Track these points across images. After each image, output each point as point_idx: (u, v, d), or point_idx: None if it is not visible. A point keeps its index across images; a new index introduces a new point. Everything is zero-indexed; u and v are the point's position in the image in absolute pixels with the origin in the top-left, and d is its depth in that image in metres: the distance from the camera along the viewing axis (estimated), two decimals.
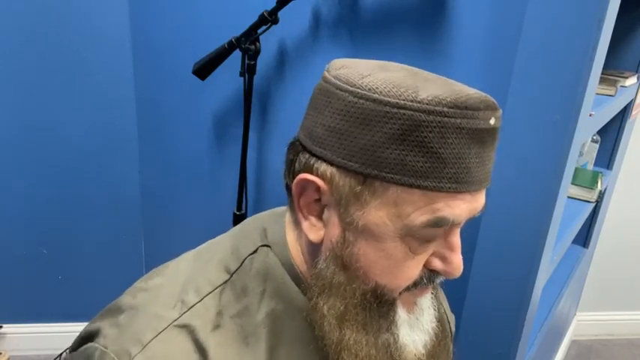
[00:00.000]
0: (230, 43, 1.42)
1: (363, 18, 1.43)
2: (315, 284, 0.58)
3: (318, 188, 0.55)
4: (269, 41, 1.50)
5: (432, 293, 0.65)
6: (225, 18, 1.55)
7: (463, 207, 0.53)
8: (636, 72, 1.75)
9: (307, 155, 0.56)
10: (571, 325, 2.30)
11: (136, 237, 1.93)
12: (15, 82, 1.71)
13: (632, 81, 1.63)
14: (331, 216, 0.56)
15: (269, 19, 1.36)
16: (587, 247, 2.03)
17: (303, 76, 1.54)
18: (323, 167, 0.55)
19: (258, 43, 1.41)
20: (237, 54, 1.43)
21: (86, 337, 0.62)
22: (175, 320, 0.58)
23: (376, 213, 0.53)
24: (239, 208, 1.57)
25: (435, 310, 0.65)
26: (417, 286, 0.58)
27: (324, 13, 1.46)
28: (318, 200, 0.57)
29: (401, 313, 0.60)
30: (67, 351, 1.94)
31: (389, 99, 0.50)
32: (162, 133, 1.76)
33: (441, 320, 0.67)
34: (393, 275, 0.56)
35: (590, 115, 1.14)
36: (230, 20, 1.52)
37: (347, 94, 0.52)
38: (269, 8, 1.36)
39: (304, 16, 1.48)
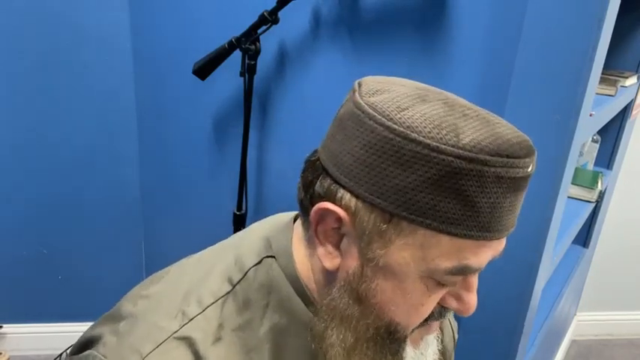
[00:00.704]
0: (230, 43, 1.42)
1: (363, 18, 1.43)
2: (325, 311, 0.56)
3: (338, 218, 0.53)
4: (269, 41, 1.50)
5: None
6: (225, 18, 1.55)
7: (488, 254, 0.52)
8: (636, 72, 1.75)
9: (330, 181, 0.53)
10: (571, 325, 2.30)
11: (136, 237, 1.92)
12: (15, 82, 1.71)
13: (632, 81, 1.63)
14: (350, 247, 0.54)
15: (269, 19, 1.36)
16: (587, 247, 2.03)
17: (303, 76, 1.54)
18: (347, 198, 0.52)
19: (258, 43, 1.41)
20: (237, 54, 1.43)
21: (86, 343, 0.61)
22: (176, 332, 0.56)
23: (399, 253, 0.52)
24: (239, 208, 1.57)
25: (438, 340, 0.65)
26: (428, 321, 0.57)
27: (325, 13, 1.46)
28: (337, 229, 0.55)
29: (408, 350, 0.59)
30: (67, 352, 1.94)
31: (429, 141, 0.47)
32: (163, 133, 1.76)
33: (443, 351, 0.67)
34: (408, 313, 0.55)
35: (590, 115, 1.14)
36: (230, 20, 1.52)
37: (382, 129, 0.49)
38: (269, 8, 1.36)
39: (304, 16, 1.48)
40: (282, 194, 1.66)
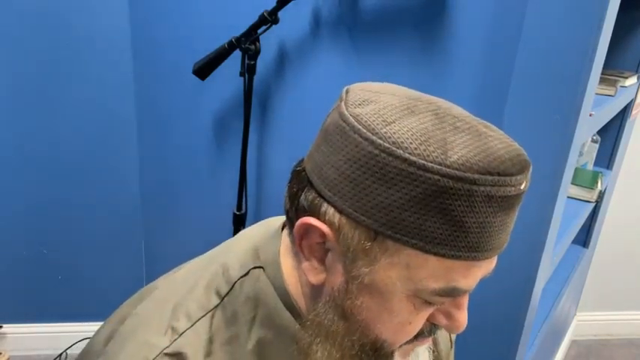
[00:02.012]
0: (230, 43, 1.42)
1: (363, 18, 1.43)
2: (310, 326, 0.55)
3: (322, 234, 0.51)
4: (269, 41, 1.50)
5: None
6: (225, 18, 1.55)
7: (478, 274, 0.51)
8: (636, 72, 1.75)
9: (314, 194, 0.51)
10: (571, 325, 2.30)
11: (136, 237, 1.92)
12: (15, 82, 1.71)
13: (632, 81, 1.63)
14: (335, 263, 0.53)
15: (269, 19, 1.36)
16: (587, 247, 2.03)
17: (303, 76, 1.54)
18: (331, 213, 0.50)
19: (258, 43, 1.41)
20: (237, 54, 1.43)
21: None
22: (166, 348, 0.55)
23: (385, 272, 0.50)
24: (239, 208, 1.57)
25: (430, 352, 0.63)
26: (417, 338, 0.56)
27: (325, 13, 1.46)
28: (322, 243, 0.53)
29: None
30: (67, 352, 1.94)
31: (415, 159, 0.45)
32: (163, 133, 1.76)
33: (438, 358, 0.66)
34: (394, 331, 0.54)
35: (590, 115, 1.14)
36: (230, 20, 1.52)
37: (367, 144, 0.47)
38: (269, 8, 1.36)
39: (304, 16, 1.48)
40: (281, 194, 1.66)
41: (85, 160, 1.82)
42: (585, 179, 1.64)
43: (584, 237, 2.01)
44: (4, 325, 1.97)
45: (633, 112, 1.83)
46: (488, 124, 0.51)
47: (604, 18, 0.95)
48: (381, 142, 0.46)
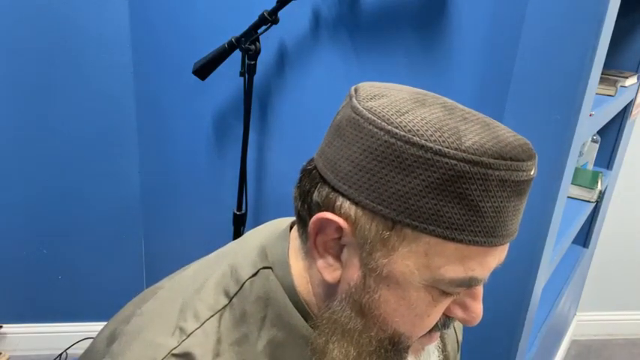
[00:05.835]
0: (230, 43, 1.42)
1: (363, 18, 1.43)
2: (326, 325, 0.55)
3: (339, 228, 0.51)
4: (269, 41, 1.50)
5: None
6: (225, 18, 1.55)
7: (492, 263, 0.51)
8: (636, 72, 1.75)
9: (328, 189, 0.52)
10: (571, 325, 2.30)
11: (136, 237, 1.92)
12: (15, 82, 1.71)
13: (632, 81, 1.63)
14: (351, 257, 0.53)
15: (269, 19, 1.36)
16: (587, 247, 2.03)
17: (303, 76, 1.54)
18: (347, 206, 0.50)
19: (258, 43, 1.41)
20: (237, 54, 1.43)
21: None
22: (174, 348, 0.55)
23: (403, 261, 0.50)
24: (239, 208, 1.56)
25: (439, 350, 0.64)
26: (431, 332, 0.56)
27: (325, 13, 1.46)
28: (337, 239, 0.53)
29: (409, 359, 0.58)
30: (67, 352, 1.94)
31: (431, 145, 0.46)
32: (163, 133, 1.76)
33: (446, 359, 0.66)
34: (412, 324, 0.54)
35: (590, 115, 1.14)
36: (230, 20, 1.52)
37: (382, 133, 0.48)
38: (269, 8, 1.36)
39: (304, 16, 1.48)
40: (282, 194, 1.66)
41: (84, 159, 1.82)
42: (585, 179, 1.64)
43: (584, 237, 2.01)
44: (4, 325, 1.97)
45: (633, 112, 1.83)
46: (492, 119, 0.53)
47: (604, 18, 0.95)
48: (397, 130, 0.47)
